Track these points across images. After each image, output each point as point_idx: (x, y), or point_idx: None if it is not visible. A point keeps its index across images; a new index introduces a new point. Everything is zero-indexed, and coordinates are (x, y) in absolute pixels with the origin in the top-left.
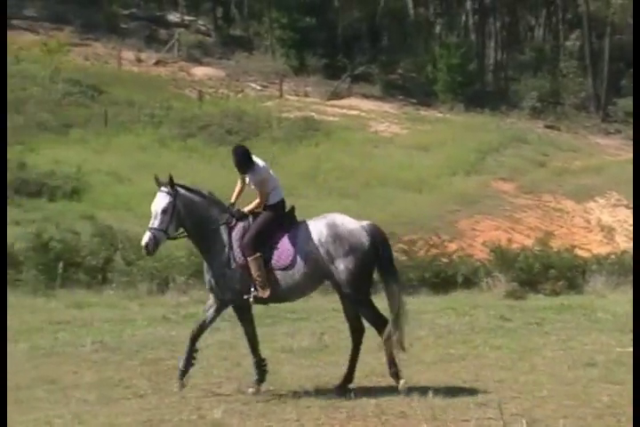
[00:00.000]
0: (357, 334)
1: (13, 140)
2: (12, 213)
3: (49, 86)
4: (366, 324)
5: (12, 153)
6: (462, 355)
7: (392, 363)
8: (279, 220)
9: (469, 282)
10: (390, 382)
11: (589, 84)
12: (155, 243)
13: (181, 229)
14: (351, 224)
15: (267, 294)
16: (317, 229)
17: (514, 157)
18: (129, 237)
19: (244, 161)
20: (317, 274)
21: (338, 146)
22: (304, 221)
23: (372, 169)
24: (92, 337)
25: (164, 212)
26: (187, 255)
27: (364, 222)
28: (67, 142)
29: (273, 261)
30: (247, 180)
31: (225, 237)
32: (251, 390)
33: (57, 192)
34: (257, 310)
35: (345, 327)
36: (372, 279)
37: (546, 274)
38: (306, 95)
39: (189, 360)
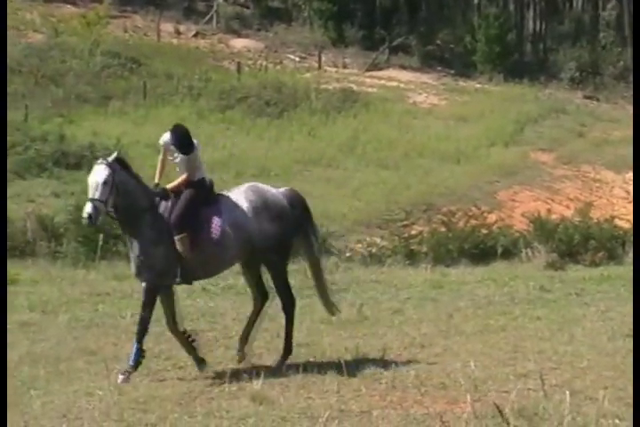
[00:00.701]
0: (262, 303)
1: (53, 113)
2: (51, 185)
3: (88, 59)
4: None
5: (52, 125)
6: (502, 326)
7: (289, 337)
8: (203, 196)
9: (509, 253)
10: (430, 353)
11: (628, 55)
12: (97, 213)
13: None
14: (273, 191)
15: (195, 274)
16: (244, 198)
17: (552, 128)
18: None
19: (187, 141)
20: (247, 242)
21: (376, 117)
22: (225, 194)
23: (411, 140)
24: (131, 309)
25: (105, 183)
26: None
27: (283, 189)
28: (106, 114)
29: (205, 237)
30: (178, 158)
31: (150, 217)
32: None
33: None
34: (296, 282)
35: (385, 299)
36: (291, 247)
37: (585, 245)
38: (344, 67)
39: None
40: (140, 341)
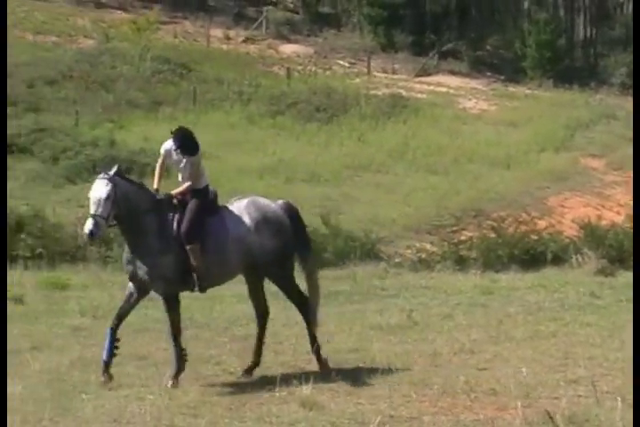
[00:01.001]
0: (264, 318)
1: (103, 118)
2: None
3: (138, 64)
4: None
5: (103, 131)
6: (552, 332)
7: (314, 340)
8: (208, 205)
9: (559, 259)
10: (480, 358)
11: None
12: (98, 229)
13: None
14: (273, 205)
15: (208, 283)
16: (245, 211)
17: (603, 134)
18: None
19: (192, 142)
20: (247, 256)
21: (426, 123)
22: (228, 207)
23: (461, 146)
24: (181, 314)
25: (107, 198)
26: None
27: (280, 202)
28: (156, 120)
29: (211, 247)
30: (182, 162)
31: (155, 225)
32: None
33: (146, 169)
34: (346, 287)
35: (434, 304)
36: (292, 257)
37: None
38: (394, 72)
39: (111, 351)
40: (178, 343)
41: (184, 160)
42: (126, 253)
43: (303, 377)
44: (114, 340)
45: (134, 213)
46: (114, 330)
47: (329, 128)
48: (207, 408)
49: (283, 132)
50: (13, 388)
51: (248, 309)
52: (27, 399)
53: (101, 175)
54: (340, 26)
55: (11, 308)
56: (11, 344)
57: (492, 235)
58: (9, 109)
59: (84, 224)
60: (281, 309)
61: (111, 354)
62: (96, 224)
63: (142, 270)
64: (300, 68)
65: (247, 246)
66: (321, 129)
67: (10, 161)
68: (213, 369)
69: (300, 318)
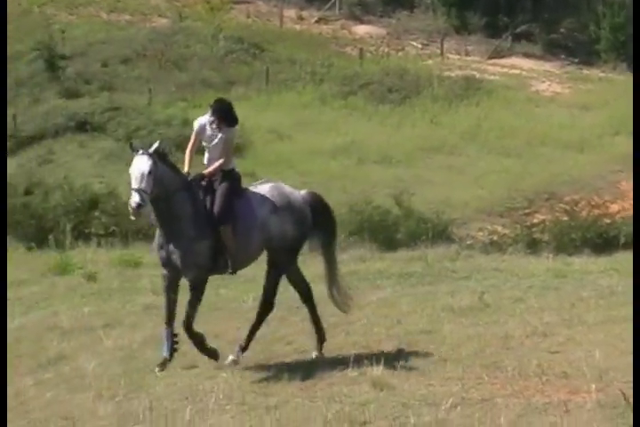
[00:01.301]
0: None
1: (177, 97)
2: None
3: (212, 44)
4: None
5: (176, 109)
6: (625, 316)
7: (319, 327)
8: (236, 187)
9: (632, 243)
10: (552, 341)
11: None
12: (145, 203)
13: None
14: (296, 193)
15: (239, 264)
16: (269, 195)
17: None
18: None
19: (232, 113)
20: (268, 240)
21: (499, 105)
22: (252, 190)
23: (533, 128)
24: (254, 293)
25: (150, 173)
26: (347, 212)
27: (304, 192)
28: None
29: (238, 229)
30: (216, 139)
31: (188, 209)
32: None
33: None
34: (417, 269)
35: (506, 287)
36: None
37: None
38: (466, 54)
39: (171, 348)
40: (190, 331)
41: (219, 136)
42: (159, 238)
43: (374, 358)
44: (172, 336)
45: (168, 196)
46: (170, 326)
47: (401, 109)
48: (278, 387)
49: (355, 112)
50: (87, 364)
51: (320, 288)
52: (100, 376)
53: (141, 151)
54: (414, 7)
55: (84, 285)
56: (84, 321)
57: (565, 218)
58: (84, 88)
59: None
60: (354, 289)
61: (172, 350)
62: (142, 198)
63: (176, 255)
64: (372, 48)
65: (269, 230)
66: (393, 110)
67: (84, 139)
68: (285, 349)
69: (371, 298)
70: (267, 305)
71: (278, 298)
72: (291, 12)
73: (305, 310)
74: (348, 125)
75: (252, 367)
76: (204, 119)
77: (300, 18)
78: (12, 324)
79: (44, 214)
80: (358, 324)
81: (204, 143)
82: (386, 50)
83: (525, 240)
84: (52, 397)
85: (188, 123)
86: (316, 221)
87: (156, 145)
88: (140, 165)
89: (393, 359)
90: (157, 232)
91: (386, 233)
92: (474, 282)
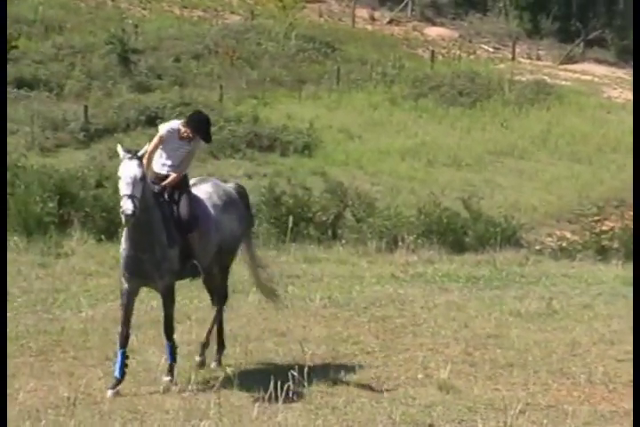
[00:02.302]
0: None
1: (247, 94)
2: (244, 166)
3: (283, 42)
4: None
5: (246, 107)
6: None
7: (221, 338)
8: (191, 191)
9: None
10: (620, 349)
11: None
12: (137, 209)
13: None
14: (231, 189)
15: (203, 267)
16: (216, 196)
17: None
18: (359, 194)
19: (209, 129)
20: (222, 241)
21: (570, 110)
22: (194, 189)
23: (605, 135)
24: (321, 292)
25: (142, 180)
26: (416, 215)
27: (233, 185)
28: (299, 98)
29: (199, 233)
30: (184, 148)
31: (158, 217)
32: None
33: (289, 147)
34: (485, 272)
35: (575, 293)
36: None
37: None
38: (538, 58)
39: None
40: (172, 339)
41: (185, 147)
42: (128, 251)
43: (441, 360)
44: (125, 357)
45: (147, 204)
46: (124, 347)
47: (472, 113)
48: (344, 387)
49: (425, 114)
50: (155, 358)
51: (387, 290)
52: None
53: (130, 155)
54: (486, 10)
55: None
56: (152, 315)
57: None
58: (156, 82)
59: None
60: (420, 291)
61: (123, 371)
62: (135, 204)
63: (150, 264)
64: (444, 51)
65: (223, 230)
66: (464, 113)
67: (155, 133)
68: (351, 349)
69: (438, 301)
70: (223, 297)
71: (344, 299)
72: (363, 13)
73: (370, 312)
74: (418, 127)
75: (318, 367)
76: (174, 125)
77: (372, 18)
78: (80, 316)
79: (114, 207)
80: (425, 326)
81: (161, 147)
82: (457, 52)
83: (594, 247)
84: (120, 390)
85: (257, 120)
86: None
87: (144, 150)
88: (132, 169)
89: (459, 363)
90: (126, 244)
91: (454, 236)
92: (542, 287)
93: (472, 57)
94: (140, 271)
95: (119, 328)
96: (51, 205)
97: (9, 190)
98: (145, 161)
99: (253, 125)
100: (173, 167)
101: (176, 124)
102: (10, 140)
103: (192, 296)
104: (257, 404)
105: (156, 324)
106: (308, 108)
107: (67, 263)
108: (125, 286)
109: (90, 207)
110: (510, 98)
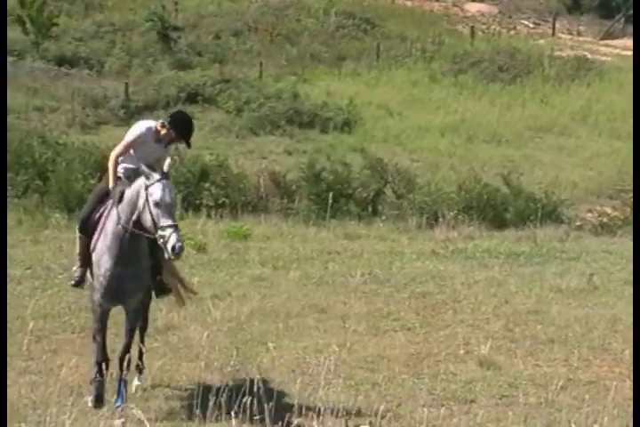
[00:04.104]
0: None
1: (287, 71)
2: (284, 142)
3: (323, 19)
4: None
5: (286, 83)
6: None
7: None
8: None
9: None
10: None
11: None
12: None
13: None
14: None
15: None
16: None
17: None
18: (399, 170)
19: (192, 134)
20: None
21: (610, 87)
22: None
23: None
24: (361, 268)
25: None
26: (456, 191)
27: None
28: (339, 75)
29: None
30: (161, 150)
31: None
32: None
33: (328, 124)
34: (526, 249)
35: (615, 269)
36: None
37: None
38: (578, 34)
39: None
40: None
41: (160, 150)
42: (113, 268)
43: (481, 336)
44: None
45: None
46: (105, 370)
47: (512, 89)
48: (384, 364)
49: (465, 91)
50: (196, 334)
51: (427, 266)
52: (209, 347)
53: (160, 177)
54: None
55: (194, 256)
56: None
57: None
58: (196, 60)
59: (266, 176)
60: (460, 267)
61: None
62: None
63: (133, 280)
64: (483, 27)
65: None
66: (504, 89)
67: (195, 111)
68: (392, 325)
69: (479, 277)
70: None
71: (385, 275)
72: None
73: (410, 288)
74: (458, 104)
75: (358, 342)
76: (150, 125)
77: None
78: None
79: None
80: (465, 302)
81: (133, 148)
82: (497, 28)
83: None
84: (161, 366)
85: (297, 97)
86: None
87: (168, 165)
88: (171, 194)
89: (500, 339)
90: (111, 262)
91: (494, 212)
92: (583, 263)
93: (512, 33)
94: (121, 288)
95: (96, 339)
96: (92, 182)
97: (50, 168)
98: (113, 167)
99: (293, 102)
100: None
101: (152, 124)
102: (51, 117)
103: (232, 273)
104: (298, 380)
105: (196, 301)
106: (348, 84)
107: None
108: (102, 306)
109: None
110: (550, 74)
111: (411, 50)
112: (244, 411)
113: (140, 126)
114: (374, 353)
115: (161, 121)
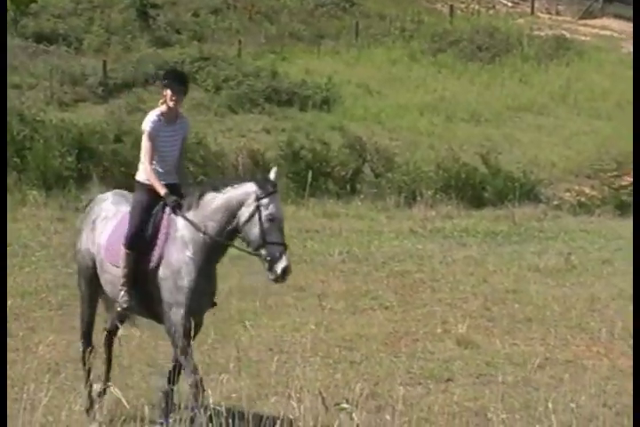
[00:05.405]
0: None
1: (266, 49)
2: (262, 120)
3: None
4: None
5: (265, 61)
6: None
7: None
8: None
9: None
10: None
11: None
12: None
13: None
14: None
15: None
16: None
17: None
18: (378, 149)
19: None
20: None
21: (589, 66)
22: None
23: (625, 91)
24: (339, 247)
25: None
26: (435, 170)
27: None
28: (318, 53)
29: None
30: (176, 133)
31: None
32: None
33: (307, 102)
34: (504, 228)
35: (593, 248)
36: None
37: None
38: (557, 13)
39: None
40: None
41: (178, 131)
42: (197, 284)
43: (459, 315)
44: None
45: None
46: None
47: (491, 68)
48: (362, 342)
49: (444, 70)
50: None
51: (405, 245)
52: None
53: (273, 188)
54: None
55: None
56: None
57: None
58: (174, 37)
59: (245, 155)
60: (439, 246)
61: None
62: None
63: (208, 296)
64: (462, 6)
65: None
66: (483, 68)
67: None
68: (370, 303)
69: (457, 256)
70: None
71: (363, 254)
72: None
73: (389, 267)
74: (437, 83)
75: (337, 321)
76: (156, 112)
77: None
78: None
79: (133, 162)
80: (444, 281)
81: (160, 145)
82: (476, 7)
83: (613, 202)
84: (139, 344)
85: (276, 75)
86: None
87: (274, 173)
88: (282, 209)
89: (478, 317)
90: (195, 278)
91: (473, 191)
92: (561, 243)
93: (491, 12)
94: (199, 305)
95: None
96: (69, 159)
97: (28, 145)
98: (154, 175)
99: (272, 80)
100: (172, 169)
101: (156, 110)
102: (29, 94)
103: (306, 237)
104: (275, 358)
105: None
106: (327, 63)
107: None
108: (186, 324)
109: (108, 162)
110: (529, 53)
111: (390, 28)
112: (222, 389)
113: (146, 120)
114: (352, 332)
115: (161, 84)
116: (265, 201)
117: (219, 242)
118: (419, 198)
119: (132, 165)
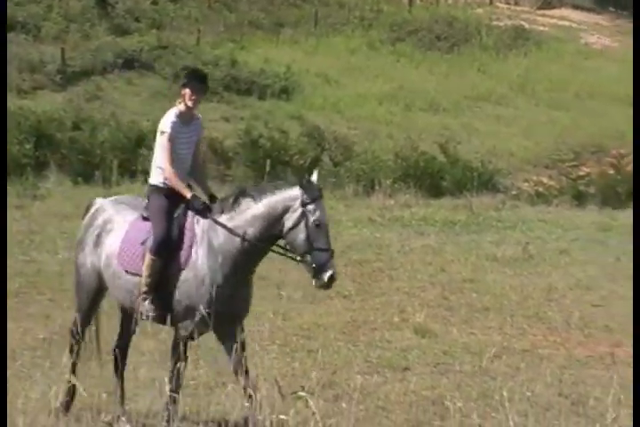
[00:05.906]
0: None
1: (225, 38)
2: (221, 109)
3: None
4: None
5: (224, 50)
6: None
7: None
8: None
9: None
10: (595, 295)
11: None
12: None
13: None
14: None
15: None
16: None
17: None
18: (337, 138)
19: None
20: None
21: (548, 57)
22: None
23: (583, 81)
24: None
25: None
26: (394, 159)
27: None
28: (277, 42)
29: None
30: (192, 132)
31: None
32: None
33: (266, 91)
34: (462, 217)
35: (551, 238)
36: None
37: None
38: (516, 3)
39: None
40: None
41: (196, 130)
42: (224, 289)
43: (417, 304)
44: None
45: None
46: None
47: (449, 57)
48: (320, 331)
49: (403, 59)
50: None
51: (364, 234)
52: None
53: (319, 193)
54: None
55: None
56: None
57: (611, 172)
58: (133, 25)
59: (203, 143)
60: (397, 235)
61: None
62: None
63: (242, 302)
64: None
65: None
66: (441, 58)
67: (132, 76)
68: (328, 292)
69: (415, 245)
70: None
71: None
72: None
73: (347, 256)
74: (396, 72)
75: (295, 310)
76: (174, 111)
77: None
78: (57, 258)
79: (91, 150)
80: (402, 270)
81: (178, 146)
82: None
83: (571, 192)
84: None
85: (235, 64)
86: None
87: (316, 174)
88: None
89: (435, 307)
90: (227, 283)
91: (431, 180)
92: (519, 232)
93: (450, 1)
94: (232, 311)
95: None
96: (27, 146)
97: None
98: (176, 178)
99: (231, 69)
100: (186, 170)
101: (174, 110)
102: None
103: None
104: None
105: None
106: (286, 52)
107: (43, 205)
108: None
109: (66, 149)
110: (488, 43)
111: (349, 17)
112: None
113: (165, 121)
114: (310, 321)
115: (181, 85)
116: (311, 207)
117: (259, 247)
118: (377, 187)
119: (90, 153)
